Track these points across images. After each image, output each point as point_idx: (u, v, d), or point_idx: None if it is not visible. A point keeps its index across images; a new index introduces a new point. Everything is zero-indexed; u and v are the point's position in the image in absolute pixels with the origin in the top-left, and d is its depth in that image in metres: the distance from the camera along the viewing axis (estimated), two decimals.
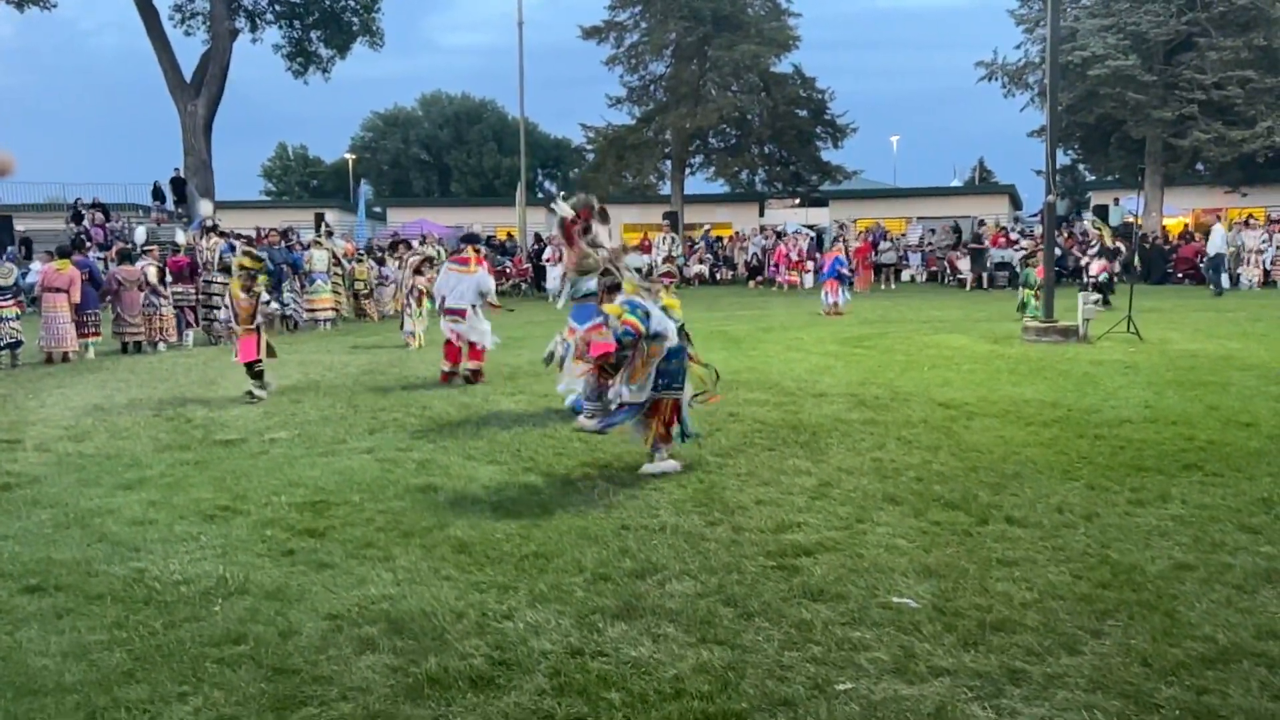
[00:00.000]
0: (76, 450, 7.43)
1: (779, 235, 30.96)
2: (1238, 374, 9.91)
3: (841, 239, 25.40)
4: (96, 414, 9.02)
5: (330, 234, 20.57)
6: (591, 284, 7.69)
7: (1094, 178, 39.08)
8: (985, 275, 27.05)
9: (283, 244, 19.91)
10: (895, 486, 5.90)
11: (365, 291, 20.14)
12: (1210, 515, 5.24)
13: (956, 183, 54.43)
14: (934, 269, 31.34)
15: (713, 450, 6.93)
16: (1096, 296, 16.01)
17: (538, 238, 31.05)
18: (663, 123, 35.69)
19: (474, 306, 10.35)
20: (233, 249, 15.06)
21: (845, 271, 18.94)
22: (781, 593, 4.26)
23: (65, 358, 13.39)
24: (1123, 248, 20.57)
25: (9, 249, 23.79)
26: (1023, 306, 16.18)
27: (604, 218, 8.30)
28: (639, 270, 8.14)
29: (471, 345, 10.43)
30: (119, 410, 9.23)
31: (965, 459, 6.56)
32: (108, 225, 30.27)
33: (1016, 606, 4.05)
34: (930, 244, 32.33)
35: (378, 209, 44.38)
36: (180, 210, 33.03)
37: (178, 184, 33.95)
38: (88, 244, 24.71)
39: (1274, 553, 4.66)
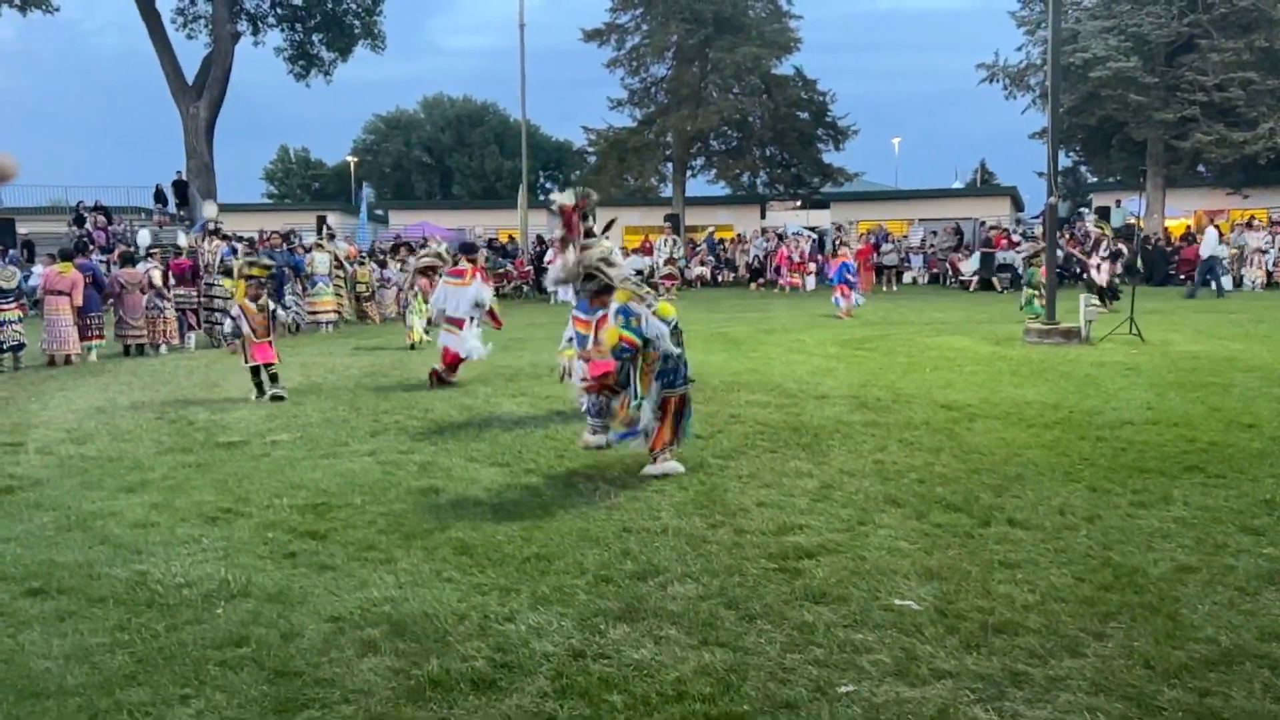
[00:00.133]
0: (79, 453, 7.44)
1: (780, 237, 30.96)
2: (1240, 375, 9.91)
3: (843, 243, 25.32)
4: (99, 416, 9.03)
5: (332, 236, 20.60)
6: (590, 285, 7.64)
7: (1096, 179, 39.05)
8: (994, 278, 27.00)
9: (284, 246, 19.94)
10: (897, 488, 5.90)
11: (367, 294, 20.16)
12: (1213, 517, 5.24)
13: (958, 185, 54.39)
14: (936, 271, 31.34)
15: (714, 452, 6.93)
16: (1095, 299, 15.98)
17: (539, 240, 31.05)
18: (664, 125, 35.70)
19: (471, 319, 10.32)
20: (234, 252, 15.10)
21: (851, 277, 18.98)
22: (783, 595, 4.26)
23: (67, 360, 13.41)
24: (1124, 249, 20.56)
25: (11, 252, 23.81)
26: (1028, 303, 16.16)
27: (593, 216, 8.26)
28: (640, 272, 8.11)
29: (449, 350, 10.35)
30: (121, 413, 9.24)
31: (967, 461, 6.56)
32: (110, 228, 30.30)
33: (1018, 609, 4.04)
34: (932, 246, 32.33)
35: (379, 212, 44.41)
36: (182, 213, 33.11)
37: (180, 187, 34.03)
38: (91, 247, 24.74)
39: (1276, 554, 4.66)
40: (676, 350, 6.45)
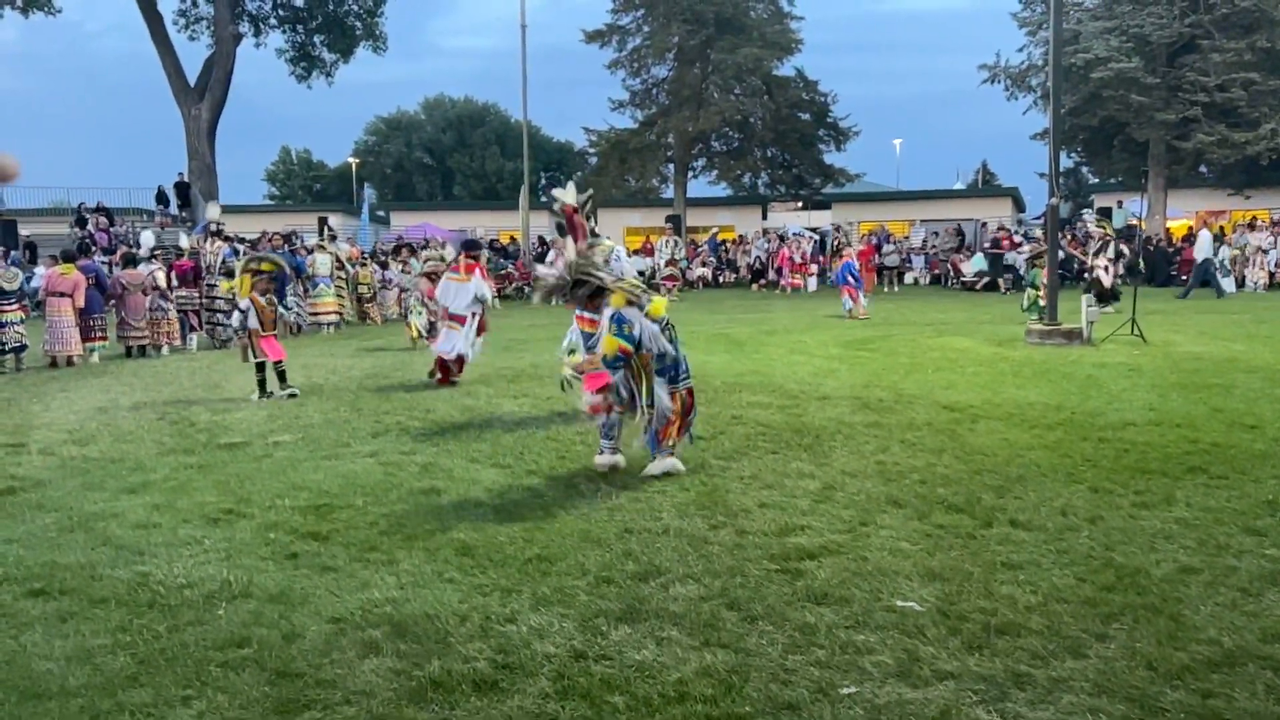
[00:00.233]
0: (81, 454, 7.44)
1: (782, 239, 30.97)
2: (1242, 376, 9.89)
3: (845, 244, 25.31)
4: (100, 417, 9.04)
5: (334, 237, 20.62)
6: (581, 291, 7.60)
7: (1097, 180, 39.04)
8: (1000, 280, 26.97)
9: (286, 248, 19.95)
10: (899, 489, 5.89)
11: (368, 295, 20.18)
12: (1215, 518, 5.23)
13: (960, 185, 54.36)
14: (937, 272, 31.33)
15: (716, 453, 6.93)
16: (1094, 300, 15.94)
17: (541, 241, 31.07)
18: (665, 126, 35.71)
19: (472, 314, 10.36)
20: (236, 253, 15.11)
21: (851, 277, 19.01)
22: (785, 596, 4.25)
23: (69, 362, 13.42)
24: (1126, 250, 20.54)
25: (13, 253, 23.83)
26: (1033, 306, 16.12)
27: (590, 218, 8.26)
28: (641, 273, 8.09)
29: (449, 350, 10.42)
30: (123, 414, 9.25)
31: (969, 462, 6.55)
32: (112, 229, 30.34)
33: (1021, 610, 4.04)
34: (934, 247, 32.33)
35: (381, 213, 44.45)
36: (184, 214, 33.14)
37: (181, 188, 34.07)
38: (93, 248, 24.76)
39: (1279, 555, 4.65)
40: (671, 350, 6.44)
